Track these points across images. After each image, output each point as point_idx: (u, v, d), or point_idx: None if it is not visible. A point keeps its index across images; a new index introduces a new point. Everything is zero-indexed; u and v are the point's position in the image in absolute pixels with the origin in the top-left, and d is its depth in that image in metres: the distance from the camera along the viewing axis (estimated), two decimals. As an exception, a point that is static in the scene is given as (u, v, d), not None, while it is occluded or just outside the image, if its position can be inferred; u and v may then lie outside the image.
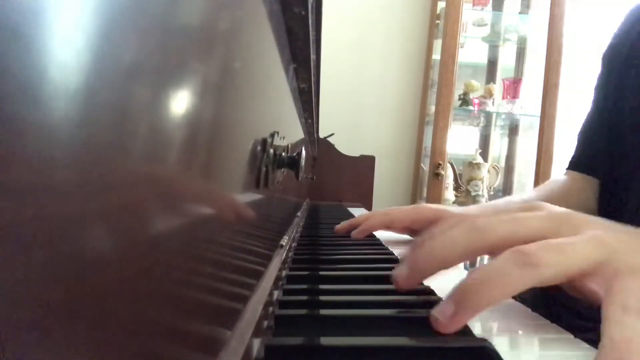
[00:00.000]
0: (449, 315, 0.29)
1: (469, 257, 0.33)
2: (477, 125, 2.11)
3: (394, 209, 0.68)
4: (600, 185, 0.69)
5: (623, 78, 0.64)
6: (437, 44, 1.97)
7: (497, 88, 1.99)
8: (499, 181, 2.01)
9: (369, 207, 1.64)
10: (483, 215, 0.34)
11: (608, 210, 0.65)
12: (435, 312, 0.29)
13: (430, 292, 0.39)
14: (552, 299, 0.67)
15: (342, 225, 0.71)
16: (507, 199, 0.85)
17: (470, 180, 1.90)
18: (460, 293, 0.29)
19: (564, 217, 0.33)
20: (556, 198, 0.67)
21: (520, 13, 2.04)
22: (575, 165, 0.73)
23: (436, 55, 1.99)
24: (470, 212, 0.65)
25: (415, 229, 0.65)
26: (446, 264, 0.33)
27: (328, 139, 1.73)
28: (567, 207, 0.36)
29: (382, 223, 0.67)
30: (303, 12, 0.36)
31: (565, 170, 0.75)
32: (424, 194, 1.95)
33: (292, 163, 0.39)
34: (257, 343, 0.25)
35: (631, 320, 0.25)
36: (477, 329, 0.31)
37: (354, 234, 0.66)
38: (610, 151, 0.66)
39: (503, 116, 2.05)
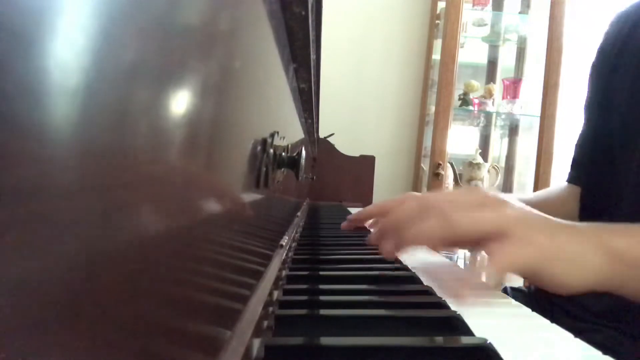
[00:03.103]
0: (389, 250, 0.45)
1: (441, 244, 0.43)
2: (477, 125, 2.11)
3: (383, 202, 0.69)
4: (582, 194, 0.71)
5: (610, 89, 0.65)
6: (437, 44, 1.97)
7: (497, 88, 1.99)
8: (499, 181, 2.01)
9: (369, 207, 1.64)
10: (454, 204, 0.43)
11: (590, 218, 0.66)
12: (374, 243, 0.47)
13: (430, 292, 0.39)
14: (551, 302, 0.67)
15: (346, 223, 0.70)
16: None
17: (470, 180, 1.90)
18: (402, 237, 0.44)
19: (485, 198, 0.43)
20: (546, 206, 0.71)
21: (520, 13, 2.04)
22: (572, 178, 0.76)
23: (436, 55, 1.99)
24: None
25: None
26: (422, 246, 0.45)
27: (328, 139, 1.73)
28: (554, 216, 0.44)
29: (371, 213, 0.68)
30: (303, 12, 0.36)
31: (564, 183, 0.78)
32: (424, 194, 1.94)
33: (292, 163, 0.39)
34: (257, 343, 0.25)
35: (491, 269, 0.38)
36: (477, 328, 0.31)
37: (343, 225, 0.66)
38: (596, 161, 0.68)
39: (503, 116, 2.05)
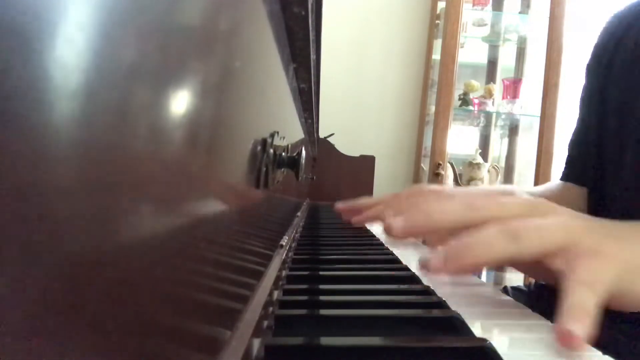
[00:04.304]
0: (436, 264, 0.33)
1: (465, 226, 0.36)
2: (477, 125, 2.11)
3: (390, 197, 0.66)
4: (588, 194, 0.70)
5: (605, 87, 0.65)
6: (437, 44, 1.97)
7: (497, 88, 1.99)
8: (498, 181, 2.01)
9: (369, 207, 1.64)
10: (472, 196, 0.38)
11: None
12: (425, 258, 0.33)
13: (430, 292, 0.39)
14: (551, 302, 0.67)
15: (344, 206, 0.70)
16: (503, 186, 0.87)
17: (470, 180, 1.90)
18: (451, 248, 0.33)
19: (536, 203, 0.37)
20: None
21: (520, 13, 2.04)
22: (567, 176, 0.75)
23: (436, 55, 1.98)
24: (459, 193, 0.64)
25: None
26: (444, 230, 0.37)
27: (328, 139, 1.73)
28: None
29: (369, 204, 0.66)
30: (303, 12, 0.36)
31: (559, 181, 0.76)
32: (424, 194, 1.94)
33: (292, 163, 0.39)
34: (257, 343, 0.25)
35: (582, 290, 0.30)
36: (477, 328, 0.31)
37: (355, 220, 0.65)
38: (589, 159, 0.68)
39: (503, 116, 2.05)
